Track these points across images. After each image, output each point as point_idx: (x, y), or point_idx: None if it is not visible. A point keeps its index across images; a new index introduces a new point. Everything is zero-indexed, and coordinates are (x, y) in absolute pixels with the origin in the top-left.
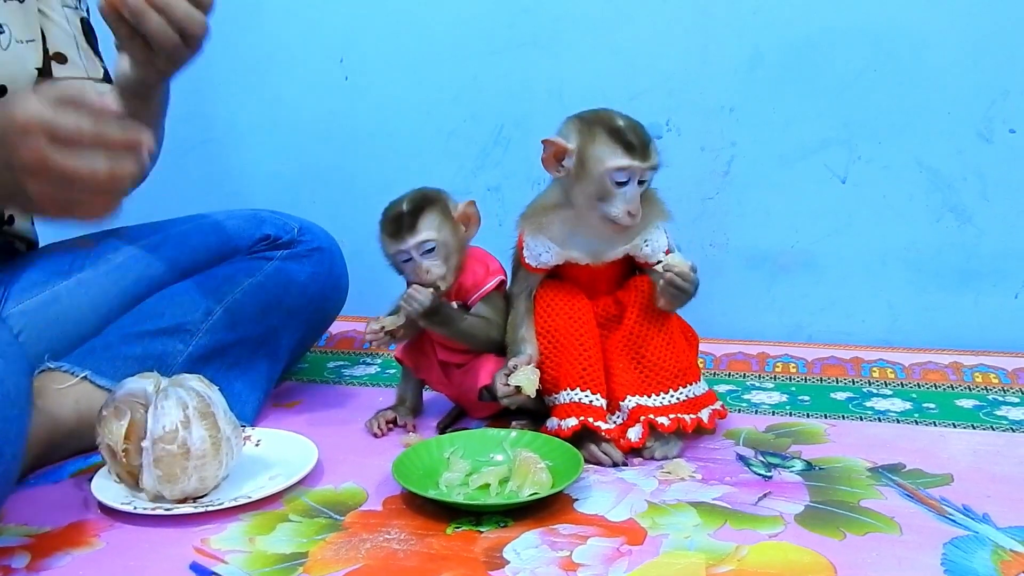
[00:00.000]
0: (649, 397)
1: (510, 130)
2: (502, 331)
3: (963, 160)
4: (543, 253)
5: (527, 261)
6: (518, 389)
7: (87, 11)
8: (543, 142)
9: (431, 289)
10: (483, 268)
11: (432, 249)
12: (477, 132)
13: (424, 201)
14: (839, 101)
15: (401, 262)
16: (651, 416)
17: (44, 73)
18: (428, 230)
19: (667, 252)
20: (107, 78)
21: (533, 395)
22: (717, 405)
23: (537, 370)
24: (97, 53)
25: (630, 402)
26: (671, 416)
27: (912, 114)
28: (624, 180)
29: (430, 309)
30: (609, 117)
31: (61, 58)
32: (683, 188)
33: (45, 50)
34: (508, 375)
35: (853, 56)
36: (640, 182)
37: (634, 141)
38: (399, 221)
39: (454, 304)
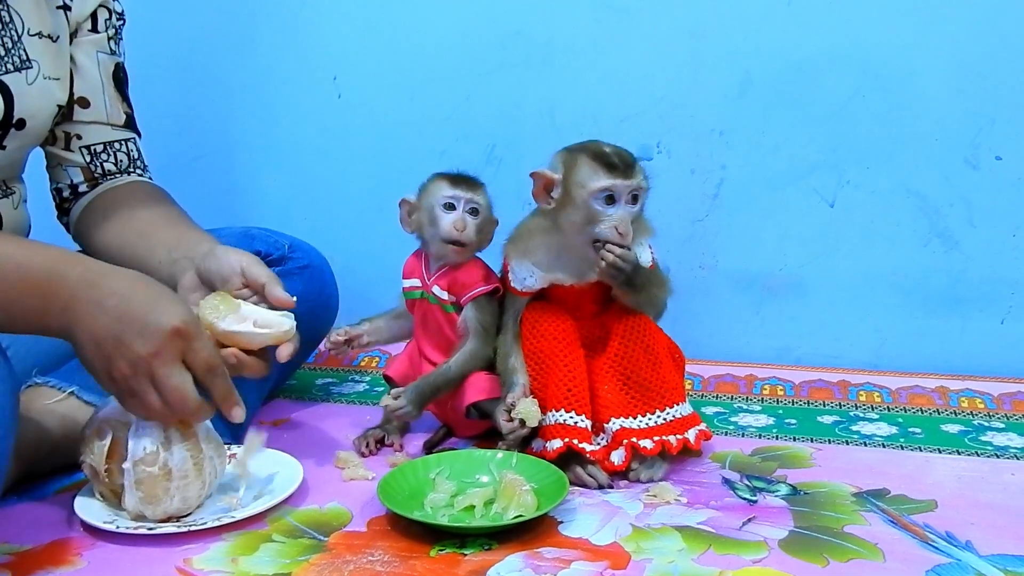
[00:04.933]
0: (634, 419)
1: (502, 150)
2: (492, 339)
3: (950, 186)
4: (527, 277)
5: (512, 285)
6: (522, 423)
7: (123, 55)
8: (532, 175)
9: (398, 401)
10: (480, 273)
11: (476, 212)
12: (469, 152)
13: (482, 186)
14: (828, 126)
15: (442, 208)
16: (634, 440)
17: (66, 114)
18: (482, 197)
19: (651, 267)
20: (128, 123)
21: (535, 424)
22: (701, 426)
23: (535, 400)
24: (125, 98)
25: (614, 424)
26: (655, 438)
27: (900, 140)
28: (610, 200)
29: (418, 403)
30: (594, 144)
31: (84, 102)
32: (673, 210)
33: (71, 93)
34: (508, 411)
35: (842, 82)
36: (633, 200)
37: (616, 161)
38: (464, 177)
39: (445, 293)
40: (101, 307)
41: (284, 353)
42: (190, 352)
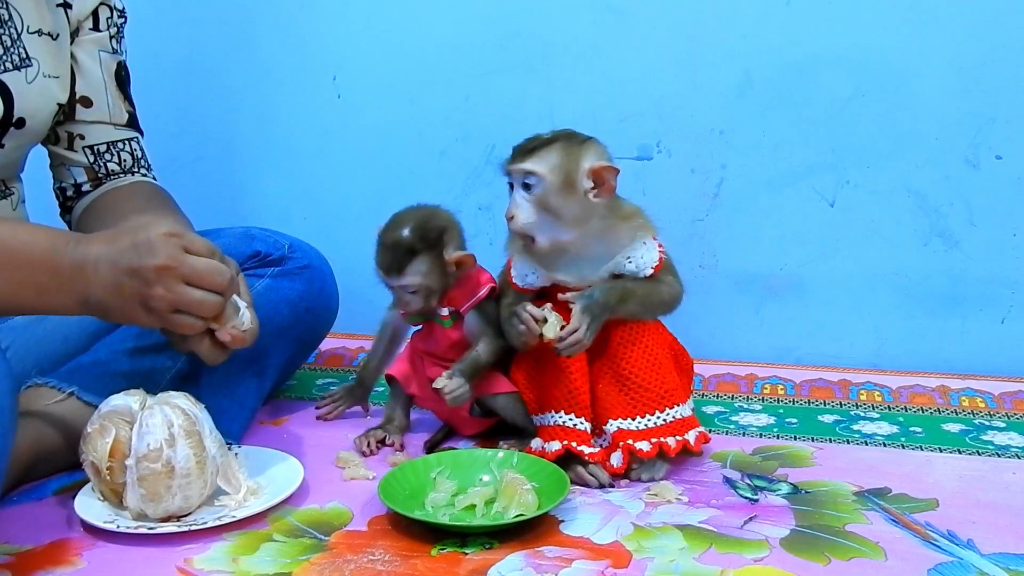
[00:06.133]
0: (632, 420)
1: (501, 150)
2: (496, 338)
3: (950, 186)
4: (529, 274)
5: (514, 281)
6: (544, 321)
7: (125, 54)
8: None
9: (458, 383)
10: (473, 281)
11: (414, 292)
12: (468, 152)
13: (421, 243)
14: (828, 126)
15: (385, 285)
16: (630, 442)
17: (68, 113)
18: (414, 276)
19: (657, 268)
20: (131, 122)
21: (550, 336)
22: (700, 429)
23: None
24: (128, 97)
25: (611, 426)
26: (652, 440)
27: (900, 140)
28: (511, 184)
29: (469, 380)
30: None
31: (87, 102)
32: (673, 210)
33: (73, 92)
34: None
35: (841, 82)
36: (525, 186)
37: (517, 147)
38: (391, 256)
39: (445, 310)
40: (101, 259)
41: (226, 336)
42: (190, 245)
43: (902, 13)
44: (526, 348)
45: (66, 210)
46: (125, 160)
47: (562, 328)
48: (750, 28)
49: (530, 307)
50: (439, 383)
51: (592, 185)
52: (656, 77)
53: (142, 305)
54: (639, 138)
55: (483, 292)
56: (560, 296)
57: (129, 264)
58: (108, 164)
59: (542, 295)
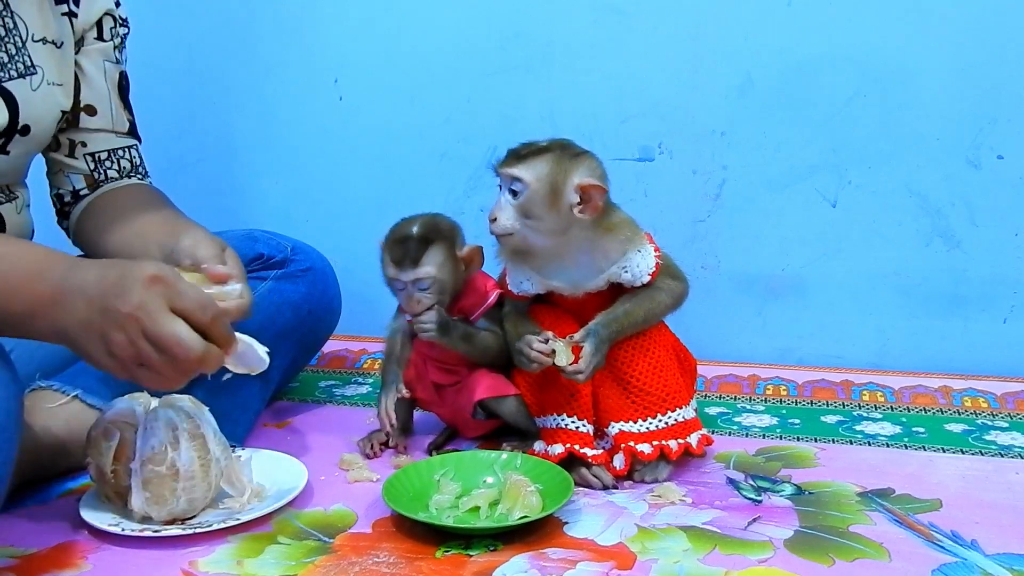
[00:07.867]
0: (635, 423)
1: (502, 152)
2: (503, 342)
3: (951, 186)
4: (524, 281)
5: (510, 288)
6: (552, 353)
7: (125, 63)
8: None
9: (431, 316)
10: (481, 289)
11: (428, 287)
12: (469, 154)
13: (434, 234)
14: (829, 127)
15: (396, 288)
16: (631, 444)
17: (71, 121)
18: (429, 267)
19: (653, 276)
20: (131, 131)
21: (562, 365)
22: (703, 431)
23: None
24: (128, 106)
25: (613, 428)
26: (654, 443)
27: (901, 140)
28: (500, 185)
29: (442, 326)
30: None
31: (91, 110)
32: (675, 211)
33: (77, 100)
34: (545, 341)
35: (842, 82)
36: (511, 192)
37: (511, 149)
38: (405, 248)
39: (456, 318)
40: (82, 291)
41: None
42: (176, 297)
43: (903, 13)
44: None
45: (63, 216)
46: (124, 167)
47: (573, 352)
48: (751, 29)
49: (536, 343)
50: (416, 298)
51: (578, 200)
52: (657, 78)
53: (106, 348)
54: (640, 139)
55: (492, 299)
56: (567, 338)
57: (103, 302)
58: (108, 171)
59: (543, 300)
